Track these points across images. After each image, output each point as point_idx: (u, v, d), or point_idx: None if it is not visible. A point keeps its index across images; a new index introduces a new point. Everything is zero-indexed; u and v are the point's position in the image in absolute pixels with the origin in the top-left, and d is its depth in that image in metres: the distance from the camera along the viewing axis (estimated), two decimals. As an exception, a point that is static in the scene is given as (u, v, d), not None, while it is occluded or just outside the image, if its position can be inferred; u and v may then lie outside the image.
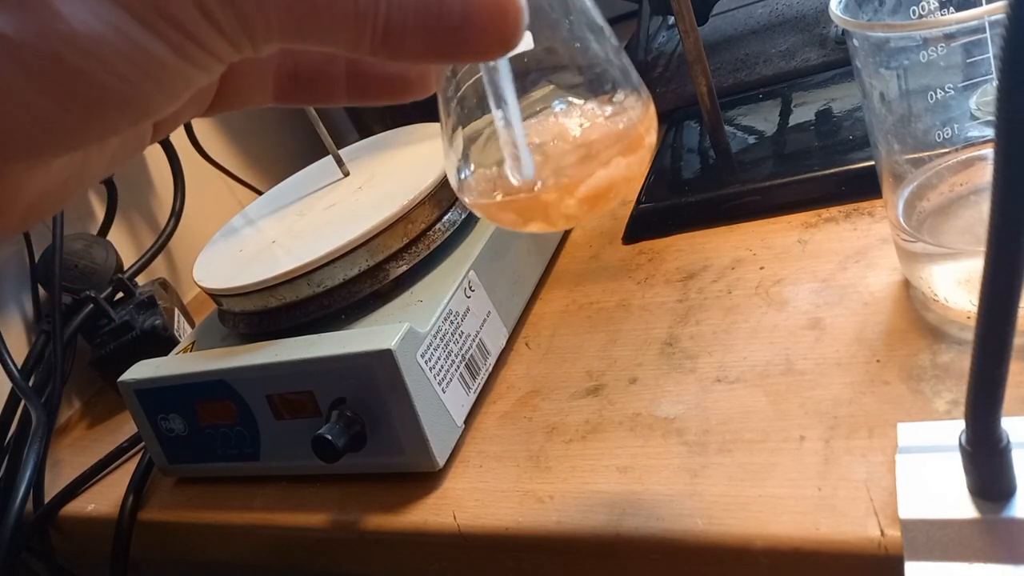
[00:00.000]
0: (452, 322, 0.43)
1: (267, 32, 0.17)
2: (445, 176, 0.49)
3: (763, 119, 0.57)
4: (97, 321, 0.62)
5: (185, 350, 0.51)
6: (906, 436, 0.30)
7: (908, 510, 0.27)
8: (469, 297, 0.45)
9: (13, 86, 0.16)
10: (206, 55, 0.17)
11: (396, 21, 0.18)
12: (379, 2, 0.18)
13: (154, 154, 0.75)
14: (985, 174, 0.35)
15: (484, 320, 0.46)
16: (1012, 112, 0.19)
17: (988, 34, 0.31)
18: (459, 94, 0.29)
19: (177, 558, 0.52)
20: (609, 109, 0.29)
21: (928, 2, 0.33)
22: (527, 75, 0.28)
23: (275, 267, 0.45)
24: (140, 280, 0.70)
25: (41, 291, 0.67)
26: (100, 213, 0.72)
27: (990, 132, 0.31)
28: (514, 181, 0.28)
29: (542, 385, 0.44)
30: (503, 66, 0.25)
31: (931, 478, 0.28)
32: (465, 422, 0.43)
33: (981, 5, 0.30)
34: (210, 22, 0.16)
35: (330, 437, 0.39)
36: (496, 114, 0.26)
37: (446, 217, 0.49)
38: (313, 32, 0.18)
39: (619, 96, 0.29)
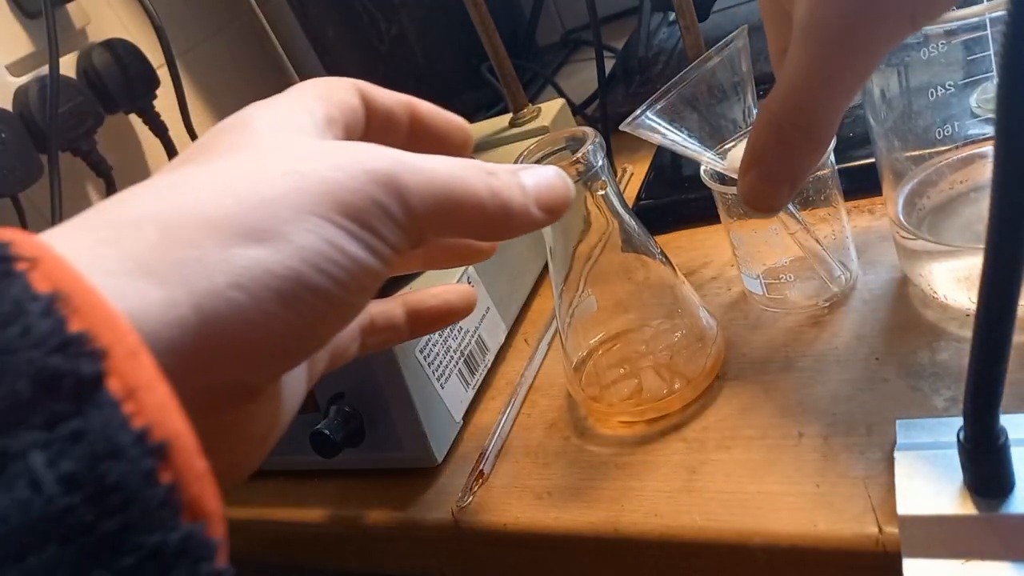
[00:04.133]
0: (451, 318, 0.43)
1: (427, 225, 0.22)
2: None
3: (763, 116, 0.57)
4: (96, 316, 0.62)
5: (184, 345, 0.51)
6: (904, 433, 0.30)
7: (906, 507, 0.27)
8: (468, 293, 0.45)
9: (266, 307, 0.18)
10: (387, 248, 0.21)
11: (508, 198, 0.24)
12: (508, 202, 0.24)
13: (153, 151, 0.75)
14: (985, 172, 0.35)
15: (483, 316, 0.46)
16: (1012, 110, 0.19)
17: (989, 31, 0.31)
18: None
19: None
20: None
21: None
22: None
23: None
24: (139, 275, 0.70)
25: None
26: (99, 208, 0.72)
27: (990, 130, 0.31)
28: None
29: (541, 381, 0.44)
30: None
31: (929, 475, 0.28)
32: (464, 418, 0.43)
33: (982, 2, 0.30)
34: (391, 219, 0.21)
35: (328, 432, 0.39)
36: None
37: (445, 213, 0.49)
38: (456, 218, 0.23)
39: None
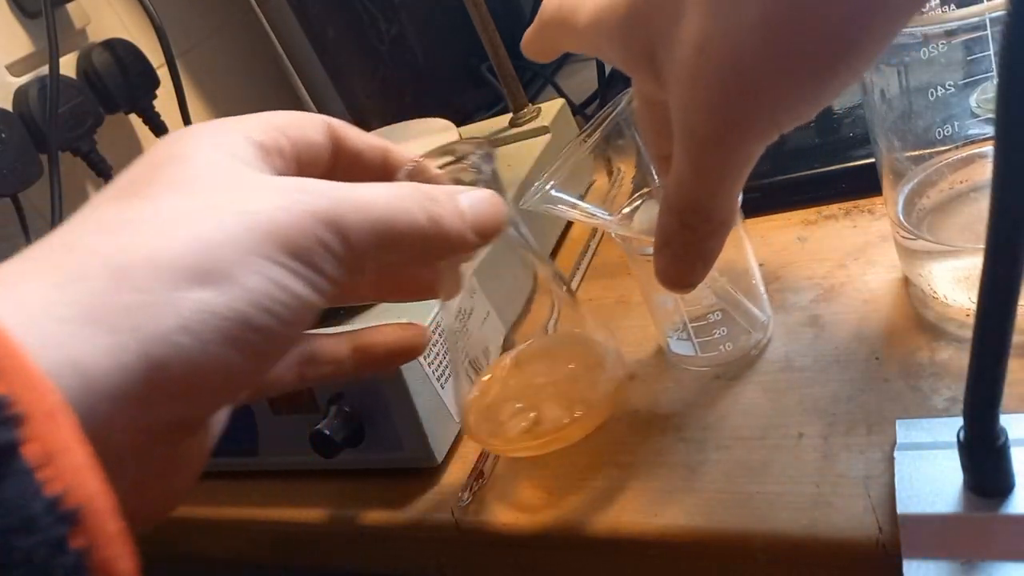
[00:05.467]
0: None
1: (367, 255, 0.22)
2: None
3: (763, 116, 0.57)
4: (96, 316, 0.62)
5: (184, 345, 0.51)
6: (905, 433, 0.30)
7: (906, 507, 0.27)
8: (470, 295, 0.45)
9: (212, 348, 0.19)
10: (327, 283, 0.22)
11: (448, 225, 0.25)
12: (442, 219, 0.25)
13: (153, 149, 0.75)
14: (985, 172, 0.35)
15: (484, 320, 0.46)
16: (1012, 110, 0.19)
17: (989, 31, 0.31)
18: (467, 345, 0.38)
19: (174, 553, 0.52)
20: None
21: (929, -1, 0.33)
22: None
23: (274, 262, 0.45)
24: (139, 275, 0.70)
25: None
26: (99, 208, 0.72)
27: (990, 130, 0.31)
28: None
29: (541, 381, 0.44)
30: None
31: (929, 475, 0.28)
32: (464, 418, 0.43)
33: (982, 2, 0.30)
34: (332, 255, 0.21)
35: (328, 432, 0.39)
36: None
37: (445, 213, 0.48)
38: (394, 246, 0.24)
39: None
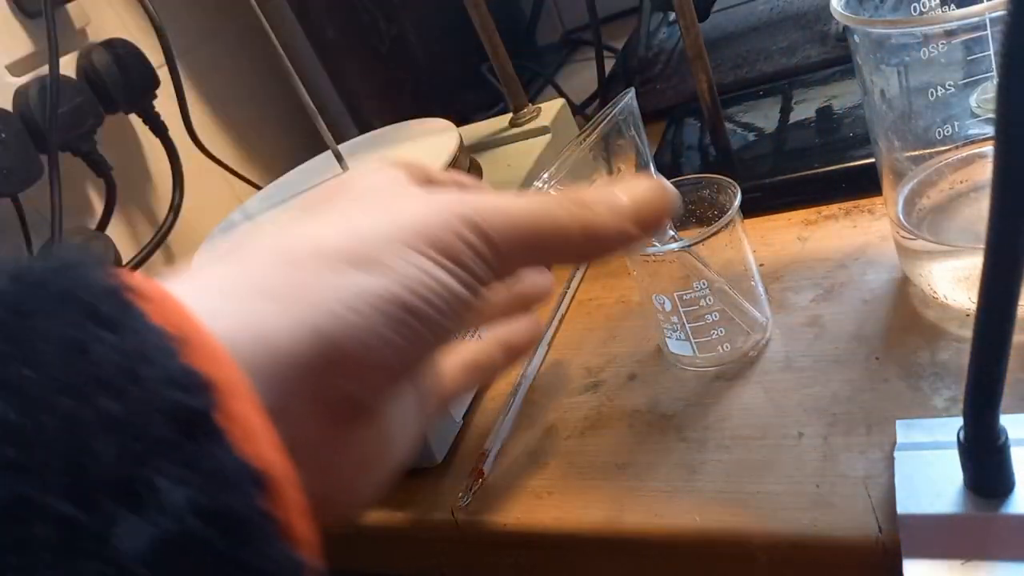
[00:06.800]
0: (451, 318, 0.43)
1: (512, 257, 0.24)
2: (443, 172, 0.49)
3: (763, 116, 0.57)
4: (96, 316, 0.62)
5: (184, 345, 0.51)
6: (905, 433, 0.30)
7: (906, 507, 0.27)
8: (468, 293, 0.45)
9: (374, 326, 0.21)
10: (475, 280, 0.23)
11: (601, 226, 0.26)
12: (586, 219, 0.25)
13: (153, 149, 0.75)
14: (985, 171, 0.35)
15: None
16: (1012, 110, 0.19)
17: (989, 31, 0.31)
18: None
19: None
20: None
21: (929, -1, 0.33)
22: None
23: (274, 262, 0.45)
24: (139, 275, 0.70)
25: (40, 286, 0.67)
26: (98, 207, 0.72)
27: (990, 129, 0.31)
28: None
29: (541, 381, 0.44)
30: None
31: (929, 475, 0.28)
32: (464, 418, 0.43)
33: (982, 2, 0.30)
34: (477, 254, 0.23)
35: (329, 432, 0.39)
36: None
37: (445, 213, 0.48)
38: (542, 250, 0.25)
39: None
